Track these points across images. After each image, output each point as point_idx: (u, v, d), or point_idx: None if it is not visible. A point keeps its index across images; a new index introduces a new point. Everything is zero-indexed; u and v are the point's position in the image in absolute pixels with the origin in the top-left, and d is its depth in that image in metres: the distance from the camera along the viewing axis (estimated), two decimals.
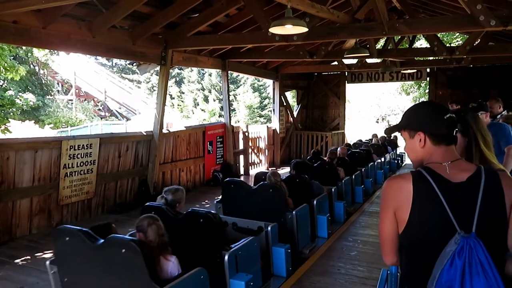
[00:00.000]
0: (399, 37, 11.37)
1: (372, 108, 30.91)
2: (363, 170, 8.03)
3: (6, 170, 5.26)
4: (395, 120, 30.23)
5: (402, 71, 12.39)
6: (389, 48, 10.26)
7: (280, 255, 4.18)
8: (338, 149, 8.18)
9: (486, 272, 1.32)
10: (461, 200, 1.44)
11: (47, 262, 3.23)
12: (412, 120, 1.62)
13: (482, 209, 1.41)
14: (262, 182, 4.90)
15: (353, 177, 7.28)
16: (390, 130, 1.77)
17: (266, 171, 6.00)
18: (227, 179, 5.41)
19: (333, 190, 6.22)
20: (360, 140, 12.18)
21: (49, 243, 5.25)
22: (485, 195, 1.43)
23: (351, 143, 11.27)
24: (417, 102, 1.73)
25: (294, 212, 4.68)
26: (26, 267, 4.53)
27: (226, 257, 3.33)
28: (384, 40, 11.77)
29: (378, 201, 7.71)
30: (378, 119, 31.11)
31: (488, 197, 1.43)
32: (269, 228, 4.16)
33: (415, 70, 12.31)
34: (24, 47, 13.46)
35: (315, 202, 5.37)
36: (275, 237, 4.23)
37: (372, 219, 6.53)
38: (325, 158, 7.56)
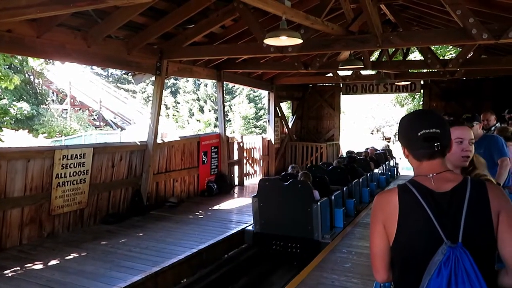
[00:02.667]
0: (393, 49, 11.48)
1: (367, 120, 31.04)
2: (344, 189, 7.28)
3: None
4: (390, 131, 30.38)
5: (396, 83, 12.48)
6: (383, 60, 10.35)
7: (339, 213, 6.56)
8: (368, 149, 11.36)
9: (472, 282, 1.33)
10: (446, 210, 1.45)
11: (252, 195, 6.43)
12: (398, 134, 1.66)
13: (468, 219, 1.42)
14: (292, 179, 6.27)
15: (333, 197, 6.56)
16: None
17: (291, 172, 7.45)
18: (263, 178, 8.17)
19: (344, 189, 7.26)
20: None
21: (40, 253, 5.18)
22: (471, 205, 1.44)
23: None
24: (408, 113, 1.72)
25: (318, 203, 5.89)
26: (15, 278, 4.44)
27: (333, 197, 6.48)
28: (378, 52, 11.87)
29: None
30: (372, 131, 31.24)
31: (473, 207, 1.44)
32: (332, 197, 6.52)
33: (409, 82, 12.41)
34: (19, 56, 13.42)
35: (332, 197, 6.53)
36: (338, 201, 6.74)
37: (367, 230, 6.50)
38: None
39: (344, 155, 12.25)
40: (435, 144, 1.51)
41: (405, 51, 11.44)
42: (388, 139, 30.29)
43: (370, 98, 26.86)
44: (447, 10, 5.26)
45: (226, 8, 6.64)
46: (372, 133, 30.92)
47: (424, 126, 1.52)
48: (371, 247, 1.62)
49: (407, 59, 11.53)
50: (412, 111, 1.64)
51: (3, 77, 8.80)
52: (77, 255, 5.17)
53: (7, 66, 11.37)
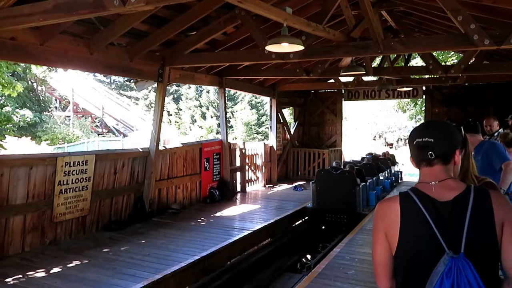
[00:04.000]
0: (395, 55, 11.50)
1: (369, 126, 31.02)
2: (374, 178, 9.50)
3: (0, 187, 5.20)
4: (392, 137, 30.33)
5: (398, 89, 12.47)
6: (385, 66, 10.36)
7: (373, 195, 8.83)
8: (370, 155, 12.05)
9: None
10: (448, 220, 1.45)
11: (312, 182, 8.66)
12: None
13: (471, 229, 1.40)
14: (341, 170, 8.61)
15: (367, 183, 9.03)
16: None
17: (336, 166, 9.34)
18: (320, 169, 9.99)
19: (374, 179, 9.31)
20: (371, 154, 12.49)
21: (42, 261, 5.16)
22: (474, 214, 1.42)
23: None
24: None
25: (360, 186, 8.12)
26: (17, 286, 4.43)
27: (368, 184, 8.73)
28: (380, 58, 11.89)
29: None
30: (375, 136, 31.20)
31: (476, 217, 1.42)
32: (367, 183, 8.76)
33: (411, 88, 12.40)
34: (22, 64, 13.51)
35: (367, 183, 8.74)
36: (371, 186, 8.97)
37: (370, 237, 6.42)
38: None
39: (347, 160, 13.03)
40: (429, 152, 1.55)
41: (406, 57, 11.45)
42: (391, 145, 30.25)
43: (372, 104, 26.90)
44: (448, 16, 5.27)
45: (228, 15, 6.67)
46: (375, 139, 30.88)
47: (419, 135, 1.60)
48: (373, 255, 1.61)
49: (408, 65, 11.54)
50: (415, 118, 1.68)
51: (6, 85, 8.84)
52: (79, 263, 5.15)
53: (10, 74, 11.45)
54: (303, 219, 8.95)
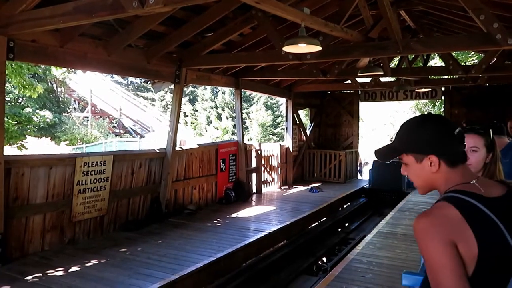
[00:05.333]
0: (413, 56, 11.32)
1: (386, 127, 30.64)
2: None
3: (20, 186, 5.30)
4: None
5: (416, 90, 12.27)
6: (403, 66, 10.21)
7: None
8: None
9: None
10: (508, 217, 1.25)
11: (369, 169, 12.01)
12: (416, 142, 1.39)
13: None
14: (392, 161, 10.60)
15: None
16: (385, 155, 1.49)
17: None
18: (375, 159, 11.21)
19: None
20: None
21: (61, 260, 5.24)
22: None
23: None
24: (412, 117, 1.49)
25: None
26: (36, 284, 4.50)
27: None
28: (398, 58, 11.73)
29: (392, 222, 7.55)
30: (392, 138, 30.83)
31: None
32: None
33: (430, 89, 12.18)
34: (42, 66, 13.77)
35: None
36: None
37: (387, 240, 6.37)
38: None
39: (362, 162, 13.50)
40: (464, 144, 1.39)
41: (425, 57, 11.27)
42: None
43: (389, 105, 26.55)
44: (469, 15, 5.15)
45: (244, 16, 6.66)
46: (391, 141, 30.50)
47: (454, 125, 1.38)
48: (441, 278, 1.18)
49: (427, 65, 11.35)
50: (415, 116, 1.41)
51: (27, 86, 9.01)
52: (97, 262, 5.21)
53: (31, 75, 11.68)
54: (358, 200, 11.66)
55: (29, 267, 4.97)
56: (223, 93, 27.86)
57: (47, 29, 4.94)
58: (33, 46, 5.18)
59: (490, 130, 1.82)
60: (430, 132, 1.38)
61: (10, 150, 8.66)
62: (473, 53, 14.76)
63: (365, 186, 12.02)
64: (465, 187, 1.31)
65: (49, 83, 23.71)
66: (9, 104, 14.56)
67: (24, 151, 9.07)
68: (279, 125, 27.51)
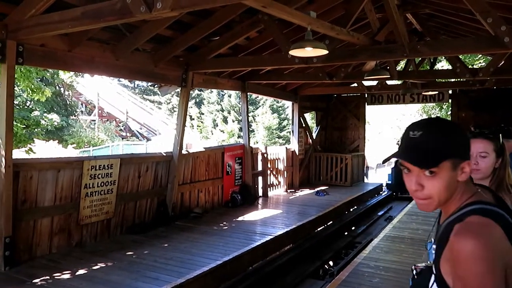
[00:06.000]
0: (420, 58, 11.28)
1: (393, 130, 30.53)
2: None
3: (29, 189, 5.35)
4: None
5: (423, 93, 12.21)
6: (409, 69, 10.17)
7: None
8: None
9: None
10: None
11: (391, 167, 12.49)
12: (457, 146, 1.21)
13: None
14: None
15: None
16: (425, 160, 1.18)
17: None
18: (396, 159, 12.79)
19: None
20: None
21: (68, 263, 5.27)
22: None
23: None
24: (437, 118, 1.30)
25: None
26: (44, 287, 4.53)
27: None
28: (404, 61, 11.70)
29: (399, 225, 7.51)
30: (398, 141, 30.65)
31: None
32: None
33: (437, 92, 12.13)
34: (50, 69, 13.90)
35: None
36: None
37: (394, 244, 6.33)
38: None
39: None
40: None
41: (432, 60, 11.22)
42: None
43: (396, 108, 26.46)
44: (476, 18, 5.13)
45: (251, 20, 6.68)
46: (398, 144, 30.34)
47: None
48: None
49: (434, 68, 11.31)
50: (438, 118, 1.16)
51: (35, 90, 9.10)
52: (104, 265, 5.23)
53: (39, 79, 11.78)
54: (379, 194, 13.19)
55: (37, 270, 5.00)
56: (229, 96, 27.92)
57: (56, 34, 4.98)
58: (42, 50, 5.24)
59: (500, 134, 1.80)
60: (463, 136, 1.24)
61: (18, 154, 8.74)
62: (480, 55, 14.68)
63: (388, 182, 13.72)
64: (481, 196, 1.23)
65: (57, 87, 23.91)
66: (17, 107, 14.70)
67: (32, 154, 9.15)
68: (285, 128, 27.50)
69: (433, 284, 1.24)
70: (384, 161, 1.40)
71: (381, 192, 13.71)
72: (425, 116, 25.54)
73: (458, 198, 1.24)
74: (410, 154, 1.21)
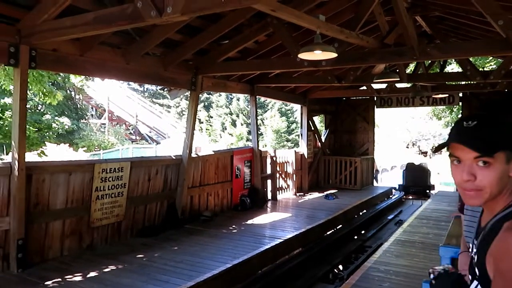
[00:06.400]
0: (430, 61, 11.20)
1: (402, 133, 30.31)
2: None
3: (41, 192, 5.41)
4: (426, 145, 29.49)
5: (433, 96, 12.13)
6: (419, 72, 10.11)
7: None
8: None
9: None
10: None
11: (402, 170, 14.81)
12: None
13: None
14: (419, 164, 14.57)
15: None
16: (485, 146, 1.16)
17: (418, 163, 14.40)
18: (410, 162, 14.73)
19: None
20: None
21: (80, 265, 5.31)
22: None
23: None
24: (493, 111, 1.24)
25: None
26: None
27: None
28: (414, 64, 11.63)
29: (410, 229, 7.45)
30: (408, 144, 30.44)
31: None
32: None
33: (447, 95, 12.03)
34: (62, 74, 14.07)
35: None
36: None
37: (405, 248, 6.28)
38: None
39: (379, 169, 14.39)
40: None
41: (442, 63, 11.14)
42: (425, 153, 29.41)
43: (405, 111, 26.29)
44: (487, 20, 5.09)
45: (260, 23, 6.71)
46: (408, 147, 30.12)
47: None
48: None
49: (444, 71, 11.22)
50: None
51: (47, 94, 9.22)
52: (114, 268, 5.27)
53: (51, 83, 11.94)
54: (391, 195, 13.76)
55: (49, 272, 5.05)
56: (238, 99, 28.01)
57: (68, 39, 5.05)
58: (54, 55, 5.31)
59: None
60: None
61: (30, 157, 8.85)
62: (491, 58, 14.54)
63: (399, 184, 14.54)
64: None
65: (68, 91, 24.19)
66: (29, 111, 14.90)
67: (44, 157, 9.26)
68: (293, 132, 27.48)
69: (476, 286, 1.21)
70: (436, 150, 1.34)
71: (391, 196, 13.60)
72: (435, 120, 25.33)
73: (507, 196, 1.21)
74: (467, 140, 1.19)
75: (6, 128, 8.70)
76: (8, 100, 10.43)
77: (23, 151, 5.02)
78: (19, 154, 4.93)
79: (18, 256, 4.98)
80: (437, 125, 26.40)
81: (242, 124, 27.23)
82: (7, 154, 17.18)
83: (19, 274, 4.94)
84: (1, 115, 9.07)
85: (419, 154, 29.25)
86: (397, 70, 8.75)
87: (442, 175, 17.94)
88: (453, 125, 1.28)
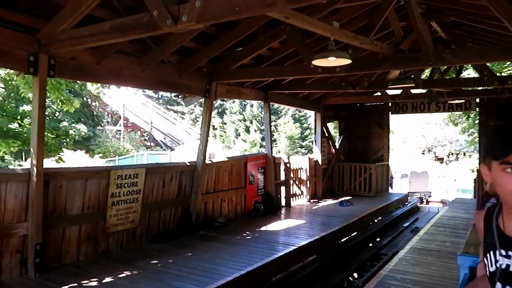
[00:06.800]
0: (445, 67, 11.08)
1: (417, 139, 29.92)
2: None
3: (58, 198, 5.50)
4: (442, 151, 29.06)
5: (449, 102, 11.97)
6: (435, 78, 10.00)
7: None
8: None
9: None
10: None
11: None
12: None
13: None
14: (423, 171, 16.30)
15: None
16: None
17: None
18: (414, 171, 15.37)
19: None
20: None
21: (95, 270, 5.37)
22: None
23: None
24: None
25: None
26: None
27: None
28: (429, 70, 11.52)
29: (426, 237, 7.34)
30: (423, 151, 30.03)
31: None
32: None
33: (464, 100, 11.85)
34: (79, 81, 14.33)
35: None
36: None
37: (421, 256, 6.19)
38: None
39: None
40: None
41: (458, 68, 11.01)
42: (441, 159, 28.98)
43: (420, 116, 25.98)
44: (504, 25, 5.02)
45: (274, 30, 6.73)
46: (424, 153, 29.70)
47: None
48: None
49: (460, 76, 11.07)
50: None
51: (65, 101, 9.41)
52: (130, 273, 5.31)
53: (68, 91, 12.16)
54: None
55: (66, 277, 5.12)
56: (251, 106, 28.07)
57: (85, 47, 5.15)
58: (72, 63, 5.42)
59: None
60: None
61: (48, 163, 9.01)
62: (508, 63, 14.30)
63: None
64: None
65: (84, 98, 24.60)
66: (47, 118, 15.19)
67: (61, 163, 9.42)
68: (307, 138, 27.39)
69: None
70: (498, 157, 1.31)
71: (406, 203, 13.42)
72: (451, 125, 24.96)
73: None
74: None
75: (25, 135, 8.87)
76: (27, 108, 10.67)
77: (41, 158, 5.12)
78: (38, 161, 5.03)
79: (36, 261, 5.05)
80: (453, 131, 25.98)
81: (255, 131, 27.26)
82: (25, 160, 17.54)
83: (36, 278, 5.01)
84: (21, 122, 9.26)
85: (435, 160, 28.83)
86: (412, 76, 8.69)
87: (459, 182, 17.66)
88: (501, 133, 1.28)
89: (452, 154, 28.63)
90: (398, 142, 28.46)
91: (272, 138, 12.81)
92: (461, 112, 18.39)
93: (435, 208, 13.12)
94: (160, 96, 34.22)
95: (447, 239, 7.20)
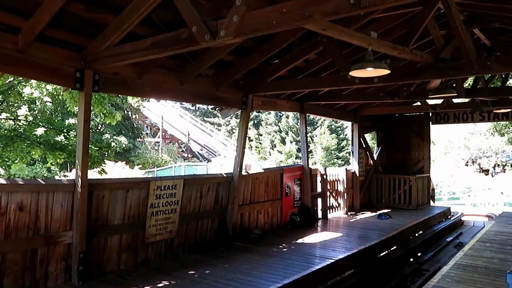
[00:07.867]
0: (489, 75, 10.64)
1: (460, 150, 28.77)
2: None
3: (101, 208, 5.70)
4: (487, 163, 27.75)
5: (494, 111, 11.45)
6: (479, 87, 9.63)
7: None
8: None
9: None
10: None
11: None
12: None
13: None
14: None
15: None
16: None
17: None
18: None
19: None
20: None
21: (135, 279, 5.49)
22: None
23: None
24: None
25: None
26: None
27: None
28: (472, 78, 11.10)
29: (471, 253, 6.99)
30: (467, 162, 28.79)
31: None
32: None
33: (510, 110, 11.31)
34: (120, 95, 14.90)
35: None
36: None
37: (466, 273, 5.89)
38: None
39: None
40: None
41: (503, 76, 10.54)
42: (486, 171, 27.68)
43: (463, 126, 25.02)
44: None
45: (310, 42, 6.74)
46: (467, 165, 28.47)
47: None
48: None
49: (506, 84, 10.60)
50: None
51: (107, 114, 9.79)
52: (168, 283, 5.39)
53: (110, 104, 12.66)
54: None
55: (107, 284, 5.27)
56: (287, 117, 28.06)
57: (128, 63, 5.36)
58: (115, 78, 5.65)
59: None
60: None
61: (91, 174, 9.37)
62: None
63: None
64: None
65: (125, 111, 25.50)
66: (91, 131, 15.86)
67: (103, 175, 9.77)
68: (343, 149, 27.00)
69: None
70: None
71: (449, 216, 12.87)
72: (497, 135, 23.86)
73: None
74: None
75: (70, 147, 9.29)
76: (72, 121, 11.19)
77: (85, 169, 5.33)
78: (82, 172, 5.24)
79: (79, 268, 5.24)
80: (499, 141, 24.81)
81: (291, 142, 27.19)
82: (70, 171, 18.34)
83: (80, 286, 5.19)
84: (67, 135, 9.71)
85: (479, 172, 27.57)
86: (454, 85, 8.39)
87: (506, 195, 16.76)
88: None
89: (498, 165, 27.30)
90: (440, 153, 27.48)
91: (308, 149, 12.73)
92: (507, 122, 17.54)
93: (481, 222, 12.48)
94: (197, 108, 34.92)
95: (494, 255, 6.83)
